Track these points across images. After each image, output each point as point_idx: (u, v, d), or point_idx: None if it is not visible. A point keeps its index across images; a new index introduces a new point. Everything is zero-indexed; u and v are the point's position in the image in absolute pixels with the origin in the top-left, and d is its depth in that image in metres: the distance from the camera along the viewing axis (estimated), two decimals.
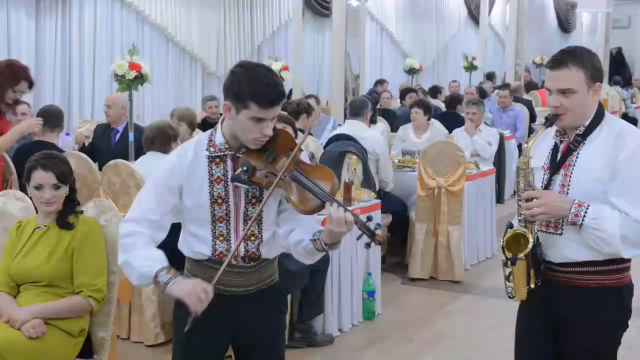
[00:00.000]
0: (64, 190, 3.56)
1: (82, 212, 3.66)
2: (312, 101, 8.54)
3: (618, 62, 21.96)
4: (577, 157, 2.85)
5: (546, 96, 2.91)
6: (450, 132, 8.15)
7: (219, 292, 2.73)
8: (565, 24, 22.84)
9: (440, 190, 6.51)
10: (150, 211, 2.74)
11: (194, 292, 2.59)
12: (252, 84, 2.60)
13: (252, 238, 2.77)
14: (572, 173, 2.84)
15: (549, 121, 2.88)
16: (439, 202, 6.53)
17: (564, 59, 2.82)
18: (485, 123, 8.56)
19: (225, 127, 2.76)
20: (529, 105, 11.97)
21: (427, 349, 5.17)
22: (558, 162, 2.89)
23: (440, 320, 5.73)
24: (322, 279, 5.07)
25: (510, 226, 2.90)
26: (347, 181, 5.47)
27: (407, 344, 5.24)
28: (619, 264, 2.85)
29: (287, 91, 11.49)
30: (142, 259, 2.69)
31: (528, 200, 2.82)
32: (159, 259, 2.69)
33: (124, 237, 2.74)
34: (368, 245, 2.65)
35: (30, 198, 3.67)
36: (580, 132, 2.86)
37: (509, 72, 16.64)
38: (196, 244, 2.79)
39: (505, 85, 12.13)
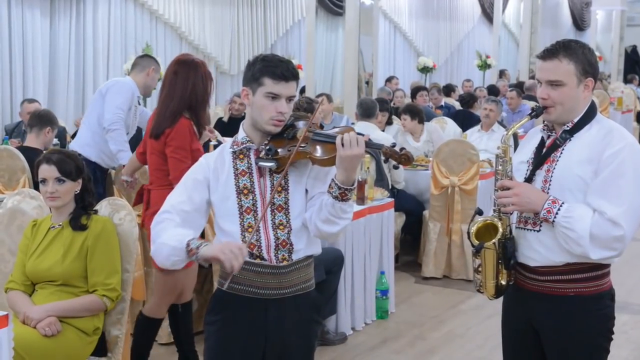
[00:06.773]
0: (69, 186, 3.55)
1: (95, 211, 3.67)
2: (323, 99, 8.54)
3: (633, 60, 21.80)
4: (561, 153, 2.74)
5: (536, 88, 2.83)
6: (464, 131, 8.11)
7: (250, 295, 2.76)
8: (579, 22, 22.71)
9: (454, 189, 6.50)
10: (182, 203, 2.77)
11: (228, 248, 2.57)
12: (265, 62, 2.74)
13: (281, 227, 2.75)
14: (554, 169, 2.74)
15: (535, 112, 2.81)
16: (452, 201, 6.51)
17: (556, 50, 2.72)
18: (500, 123, 8.49)
19: (246, 122, 2.83)
20: None
21: (440, 347, 5.17)
22: (542, 156, 2.78)
23: (453, 319, 5.72)
24: (336, 280, 5.05)
25: (480, 212, 2.82)
26: (360, 180, 5.47)
27: (420, 343, 5.23)
28: (598, 271, 2.72)
29: (299, 88, 11.55)
30: (173, 235, 2.68)
31: (502, 189, 2.75)
32: (190, 234, 2.69)
33: (155, 226, 2.76)
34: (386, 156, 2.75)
35: None
36: (568, 128, 2.75)
37: (522, 70, 16.58)
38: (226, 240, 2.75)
39: (513, 86, 12.05)
